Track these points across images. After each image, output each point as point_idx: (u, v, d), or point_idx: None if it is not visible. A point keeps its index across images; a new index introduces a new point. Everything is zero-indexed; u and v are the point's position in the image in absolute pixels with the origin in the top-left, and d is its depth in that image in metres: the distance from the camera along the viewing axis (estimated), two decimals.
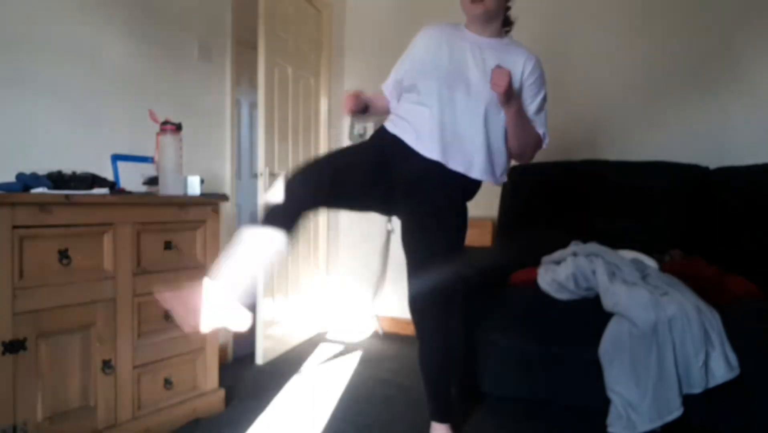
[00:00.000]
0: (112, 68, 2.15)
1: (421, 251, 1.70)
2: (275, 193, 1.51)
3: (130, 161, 2.11)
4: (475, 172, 1.63)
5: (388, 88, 1.80)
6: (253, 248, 1.46)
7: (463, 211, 1.73)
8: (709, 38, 2.65)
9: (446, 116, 1.59)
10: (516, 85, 1.59)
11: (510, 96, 1.52)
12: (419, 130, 1.61)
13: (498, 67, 1.50)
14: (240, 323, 1.40)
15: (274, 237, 1.45)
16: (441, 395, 1.78)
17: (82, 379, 1.63)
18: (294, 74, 3.00)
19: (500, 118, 1.61)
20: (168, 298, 1.41)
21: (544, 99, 1.69)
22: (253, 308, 1.39)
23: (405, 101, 1.70)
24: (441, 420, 1.77)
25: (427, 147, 1.60)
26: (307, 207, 1.54)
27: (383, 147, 1.67)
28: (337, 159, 1.69)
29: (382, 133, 1.71)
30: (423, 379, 1.78)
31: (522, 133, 1.64)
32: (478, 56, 1.63)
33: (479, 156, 1.61)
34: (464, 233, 1.75)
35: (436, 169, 1.60)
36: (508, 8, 1.70)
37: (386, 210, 1.85)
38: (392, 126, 1.69)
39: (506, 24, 1.72)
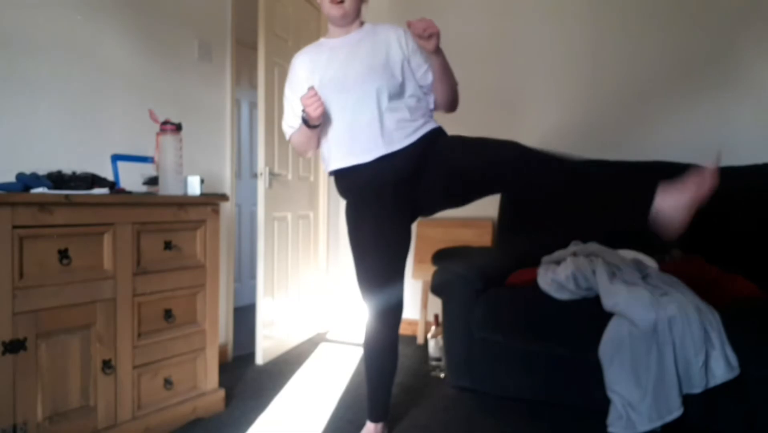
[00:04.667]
0: (112, 68, 2.16)
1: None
2: None
3: (130, 161, 2.11)
4: (397, 142, 1.60)
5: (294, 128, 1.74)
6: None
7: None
8: (709, 39, 2.65)
9: (353, 117, 1.61)
10: (404, 53, 1.67)
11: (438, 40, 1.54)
12: (346, 145, 1.63)
13: (408, 23, 1.52)
14: None
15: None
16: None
17: (82, 379, 1.63)
18: None
19: (389, 89, 1.61)
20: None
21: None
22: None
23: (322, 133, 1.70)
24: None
25: (360, 154, 1.60)
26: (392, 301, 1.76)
27: (353, 198, 1.71)
28: (365, 262, 1.73)
29: (338, 187, 1.74)
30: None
31: (450, 76, 1.69)
32: (354, 51, 1.68)
33: (378, 129, 1.59)
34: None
35: (385, 163, 1.60)
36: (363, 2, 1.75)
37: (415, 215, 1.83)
38: (331, 163, 1.68)
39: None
